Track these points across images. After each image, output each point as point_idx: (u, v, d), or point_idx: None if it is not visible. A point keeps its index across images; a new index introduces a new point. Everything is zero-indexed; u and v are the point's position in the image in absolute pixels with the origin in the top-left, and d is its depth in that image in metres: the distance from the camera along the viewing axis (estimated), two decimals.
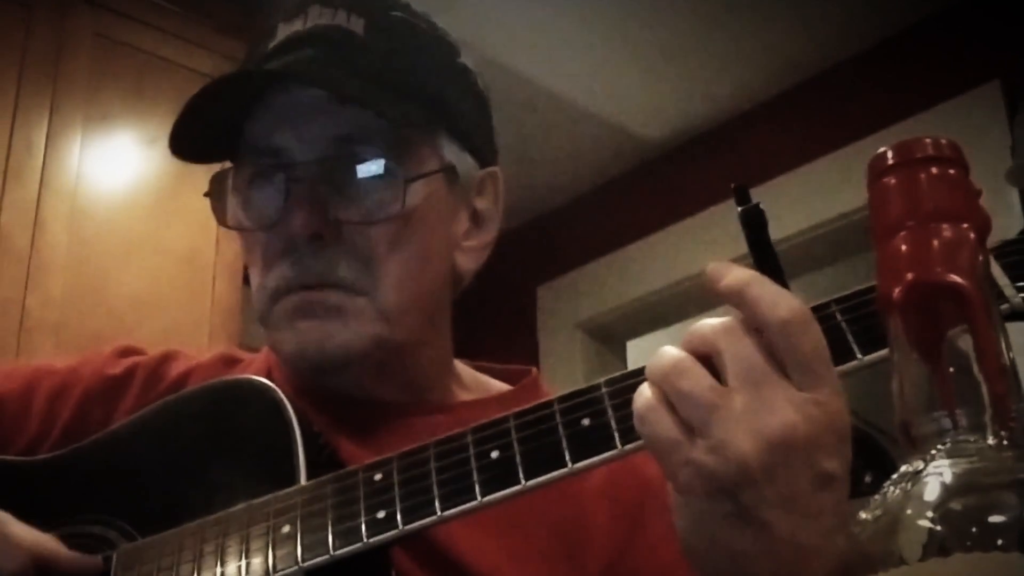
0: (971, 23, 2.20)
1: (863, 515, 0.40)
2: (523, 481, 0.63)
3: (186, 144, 0.81)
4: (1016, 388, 0.40)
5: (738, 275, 0.55)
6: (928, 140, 0.42)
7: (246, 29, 2.01)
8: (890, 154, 0.42)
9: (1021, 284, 0.61)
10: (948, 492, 0.38)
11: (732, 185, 0.61)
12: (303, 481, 0.69)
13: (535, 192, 2.75)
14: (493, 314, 2.62)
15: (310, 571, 0.66)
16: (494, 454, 0.64)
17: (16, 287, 1.80)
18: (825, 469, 0.52)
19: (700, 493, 0.53)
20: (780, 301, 0.54)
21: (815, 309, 0.59)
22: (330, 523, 0.66)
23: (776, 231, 0.60)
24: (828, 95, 2.42)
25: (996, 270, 0.60)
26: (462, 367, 0.91)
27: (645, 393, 0.55)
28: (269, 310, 0.80)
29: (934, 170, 0.41)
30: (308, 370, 0.80)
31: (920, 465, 0.39)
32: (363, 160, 0.78)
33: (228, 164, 0.84)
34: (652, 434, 0.54)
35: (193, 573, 0.69)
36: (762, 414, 0.52)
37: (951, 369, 0.40)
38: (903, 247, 0.41)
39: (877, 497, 0.40)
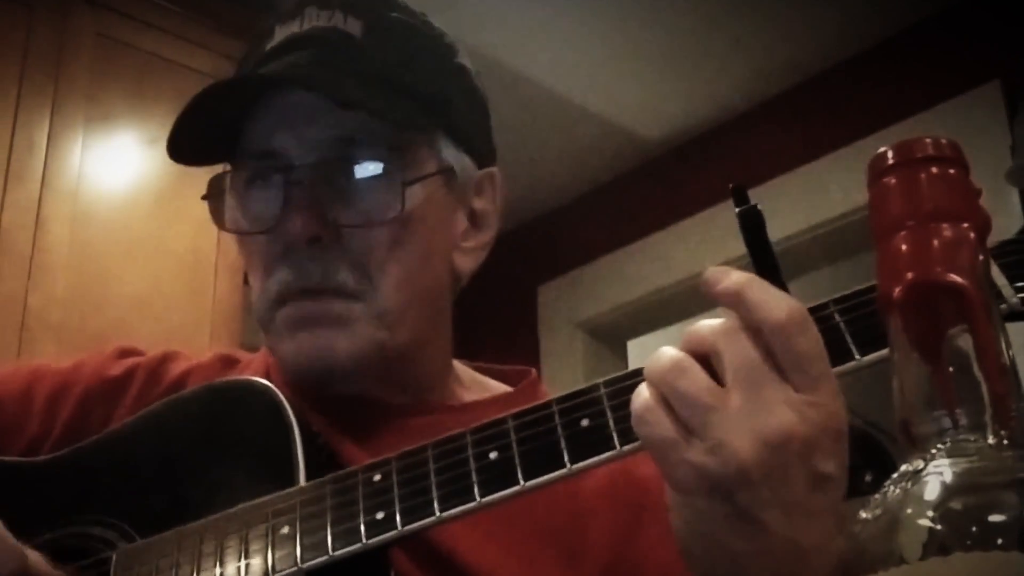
0: (971, 23, 2.20)
1: (863, 514, 0.40)
2: (522, 482, 0.63)
3: (184, 147, 0.81)
4: (1016, 387, 0.40)
5: (735, 278, 0.55)
6: (928, 140, 0.42)
7: (247, 29, 2.00)
8: (890, 154, 0.42)
9: (1019, 284, 0.60)
10: (948, 491, 0.38)
11: (730, 186, 0.61)
12: (302, 482, 0.69)
13: (535, 192, 2.75)
14: (494, 314, 2.62)
15: (309, 572, 0.66)
16: (493, 455, 0.64)
17: (17, 287, 1.80)
18: (822, 470, 0.53)
19: (697, 493, 0.53)
20: (777, 302, 0.54)
21: (813, 309, 0.59)
22: (329, 524, 0.66)
23: (776, 231, 0.60)
24: (828, 95, 2.42)
25: (994, 270, 0.60)
26: (461, 368, 0.91)
27: (643, 393, 0.55)
28: (270, 317, 0.80)
29: (934, 170, 0.41)
30: (310, 380, 0.80)
31: (920, 464, 0.39)
32: (361, 162, 0.78)
33: (226, 167, 0.83)
34: (650, 434, 0.54)
35: (192, 573, 0.69)
36: (760, 415, 0.52)
37: (951, 369, 0.40)
38: (903, 247, 0.41)
39: (877, 496, 0.40)
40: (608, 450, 0.62)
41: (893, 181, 0.41)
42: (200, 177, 0.85)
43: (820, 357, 0.54)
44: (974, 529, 0.36)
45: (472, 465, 0.65)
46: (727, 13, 2.28)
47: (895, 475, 0.40)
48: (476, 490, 0.64)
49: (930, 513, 0.37)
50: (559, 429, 0.63)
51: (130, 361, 0.90)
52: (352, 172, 0.78)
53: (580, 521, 0.78)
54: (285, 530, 0.67)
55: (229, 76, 0.85)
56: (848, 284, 0.63)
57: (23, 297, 1.80)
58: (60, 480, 0.80)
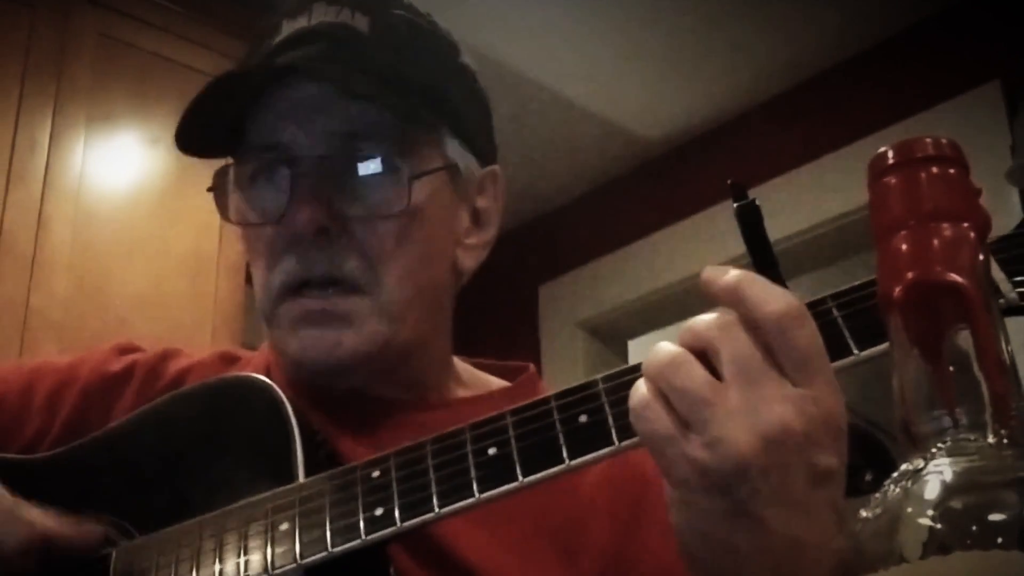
0: (971, 23, 2.20)
1: (864, 513, 0.40)
2: (520, 478, 0.63)
3: (192, 139, 0.81)
4: (1016, 387, 0.40)
5: (732, 275, 0.55)
6: (928, 140, 0.42)
7: (249, 29, 2.00)
8: (890, 154, 0.42)
9: (1017, 279, 0.60)
10: (948, 490, 0.38)
11: (728, 182, 0.61)
12: (301, 478, 0.70)
13: (536, 191, 2.76)
14: (495, 313, 2.62)
15: (308, 568, 0.66)
16: (492, 451, 0.64)
17: (20, 286, 1.80)
18: (821, 465, 0.53)
19: (695, 489, 0.53)
20: (775, 297, 0.54)
21: (812, 305, 0.59)
22: (328, 520, 0.66)
23: (776, 231, 0.60)
24: (828, 95, 2.42)
25: (992, 266, 0.60)
26: (460, 364, 0.91)
27: (641, 389, 0.55)
28: (274, 309, 0.80)
29: (934, 169, 0.41)
30: (313, 375, 0.80)
31: (920, 463, 0.39)
32: (368, 156, 0.78)
33: (228, 160, 0.84)
34: (647, 430, 0.54)
35: (192, 570, 0.69)
36: (758, 410, 0.52)
37: (951, 368, 0.40)
38: (903, 246, 0.41)
39: (877, 495, 0.40)
40: (607, 446, 0.62)
41: (893, 181, 0.41)
42: (202, 177, 0.85)
43: (818, 352, 0.54)
44: (974, 528, 0.36)
45: (471, 461, 0.65)
46: (727, 13, 2.28)
47: (895, 474, 0.40)
48: (475, 486, 0.64)
49: (930, 512, 0.37)
50: (558, 425, 0.63)
51: (130, 358, 0.90)
52: (359, 165, 0.78)
53: (579, 517, 0.78)
54: (284, 526, 0.67)
55: (230, 71, 0.85)
56: (848, 284, 0.63)
57: (25, 297, 1.80)
58: (59, 477, 0.80)
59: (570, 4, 2.27)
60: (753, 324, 0.54)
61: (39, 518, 0.70)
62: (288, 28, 0.82)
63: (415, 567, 0.73)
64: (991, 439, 0.39)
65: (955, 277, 0.40)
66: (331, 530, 0.66)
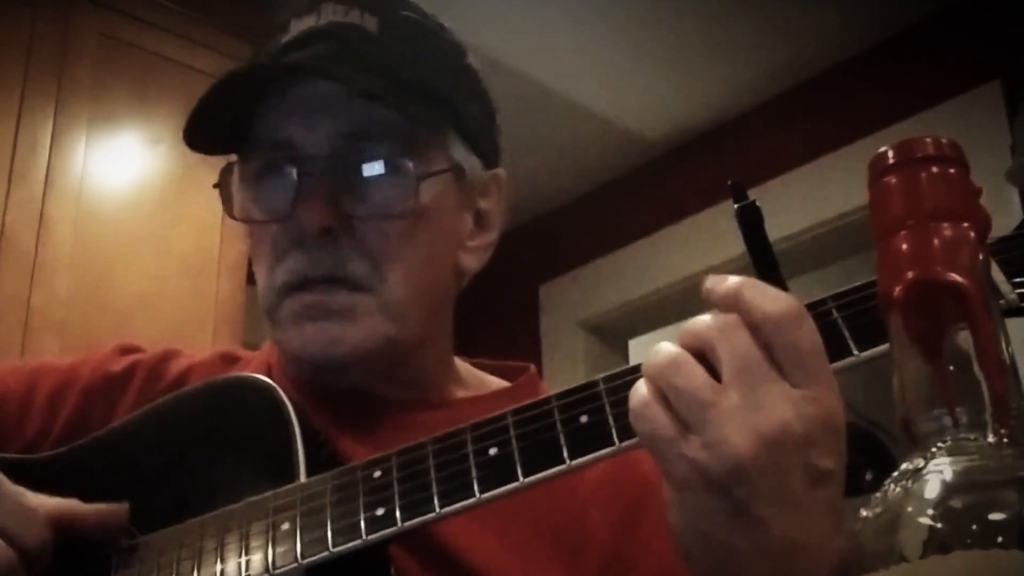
0: (971, 23, 2.20)
1: (864, 512, 0.40)
2: (521, 478, 0.63)
3: (199, 136, 0.81)
4: (1016, 386, 0.40)
5: (732, 280, 0.55)
6: (928, 139, 0.42)
7: (251, 29, 2.01)
8: (891, 153, 0.42)
9: (1016, 280, 0.60)
10: (948, 490, 0.38)
11: (729, 182, 0.61)
12: (303, 478, 0.70)
13: (537, 191, 2.76)
14: (495, 313, 2.62)
15: (310, 568, 0.66)
16: (492, 451, 0.64)
17: (21, 286, 1.80)
18: (819, 466, 0.53)
19: (694, 489, 0.53)
20: (774, 298, 0.54)
21: (812, 306, 0.59)
22: (329, 520, 0.66)
23: (776, 231, 0.60)
24: (828, 95, 2.42)
25: (991, 266, 0.60)
26: (461, 364, 0.91)
27: (641, 389, 0.55)
28: (276, 306, 0.80)
29: (934, 169, 0.41)
30: (313, 370, 0.81)
31: (921, 463, 0.39)
32: (376, 156, 0.79)
33: (230, 157, 0.84)
34: (647, 430, 0.54)
35: (193, 570, 0.69)
36: (757, 411, 0.52)
37: (951, 367, 0.40)
38: (904, 246, 0.41)
39: (878, 495, 0.40)
40: (607, 446, 0.62)
41: (893, 181, 0.42)
42: (203, 177, 0.85)
43: (818, 353, 0.54)
44: (974, 527, 0.36)
45: (472, 461, 0.65)
46: (728, 13, 2.28)
47: (895, 473, 0.40)
48: (476, 486, 0.64)
49: (930, 511, 0.37)
50: (558, 425, 0.63)
51: (131, 358, 0.90)
52: (367, 165, 0.78)
53: (579, 516, 0.79)
54: (286, 526, 0.67)
55: (242, 68, 0.85)
56: (848, 284, 0.63)
57: (26, 296, 1.80)
58: (61, 477, 0.80)
59: (570, 4, 2.27)
60: (753, 325, 0.54)
61: (55, 504, 0.70)
62: (297, 27, 0.82)
63: (416, 567, 0.74)
64: (991, 438, 0.39)
65: (955, 277, 0.40)
66: (332, 530, 0.66)
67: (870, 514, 0.40)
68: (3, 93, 1.87)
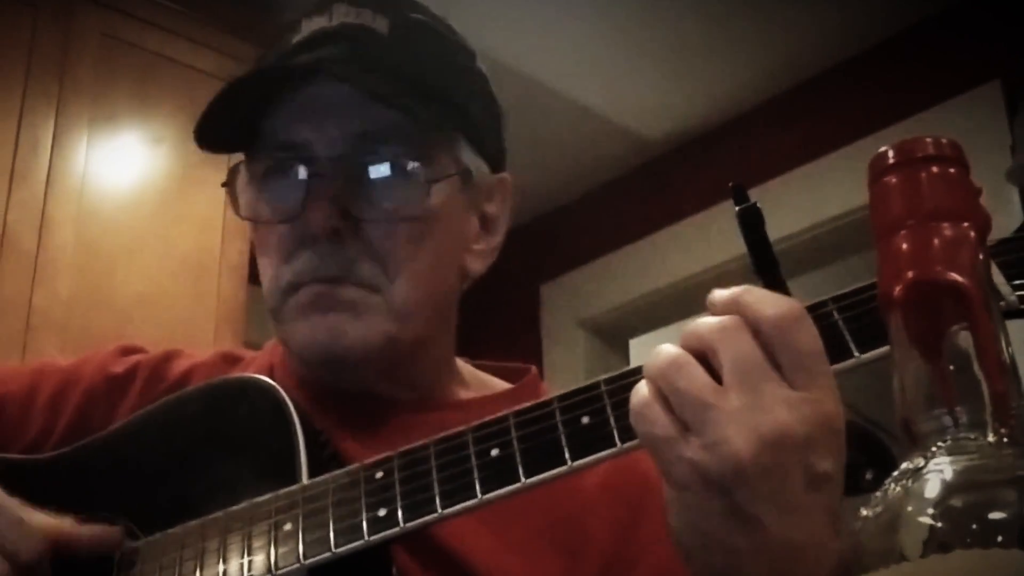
0: (971, 23, 2.20)
1: (864, 512, 0.40)
2: (523, 479, 0.63)
3: (209, 136, 0.81)
4: (1016, 386, 0.40)
5: (732, 289, 0.56)
6: (928, 139, 0.42)
7: (252, 29, 2.01)
8: (891, 153, 0.42)
9: (1017, 282, 0.60)
10: (949, 489, 0.38)
11: (730, 184, 0.61)
12: (305, 479, 0.70)
13: (538, 191, 2.76)
14: (496, 312, 2.62)
15: (312, 568, 0.66)
16: (494, 452, 0.65)
17: (22, 286, 1.80)
18: (819, 469, 0.53)
19: (694, 490, 0.53)
20: (774, 300, 0.54)
21: (812, 307, 0.59)
22: (331, 521, 0.66)
23: (776, 231, 0.61)
24: (828, 95, 2.42)
25: (991, 268, 0.60)
26: (463, 365, 0.91)
27: (641, 390, 0.55)
28: (282, 303, 0.80)
29: (934, 169, 0.41)
30: (317, 364, 0.81)
31: (921, 462, 0.39)
32: (385, 158, 0.79)
33: (234, 156, 0.84)
34: (648, 431, 0.54)
35: (195, 571, 0.69)
36: (757, 413, 0.52)
37: (951, 367, 0.40)
38: (904, 246, 0.41)
39: (878, 494, 0.40)
40: (608, 447, 0.62)
41: (893, 180, 0.42)
42: (205, 177, 0.85)
43: (818, 354, 0.54)
44: (974, 527, 0.36)
45: (474, 462, 0.65)
46: (728, 13, 2.28)
47: (896, 473, 0.40)
48: (477, 487, 0.64)
49: (930, 511, 0.37)
50: (560, 426, 0.63)
51: (132, 359, 0.91)
52: (376, 168, 0.78)
53: (580, 517, 0.79)
54: (288, 527, 0.67)
55: (255, 68, 0.85)
56: (848, 284, 0.63)
57: (28, 296, 1.80)
58: (63, 478, 0.81)
59: (571, 4, 2.27)
60: (754, 327, 0.54)
61: (51, 523, 0.70)
62: (308, 27, 0.82)
63: (418, 568, 0.74)
64: (991, 438, 0.39)
65: (955, 276, 0.40)
66: (334, 530, 0.66)
67: (870, 513, 0.40)
68: (5, 93, 1.87)
